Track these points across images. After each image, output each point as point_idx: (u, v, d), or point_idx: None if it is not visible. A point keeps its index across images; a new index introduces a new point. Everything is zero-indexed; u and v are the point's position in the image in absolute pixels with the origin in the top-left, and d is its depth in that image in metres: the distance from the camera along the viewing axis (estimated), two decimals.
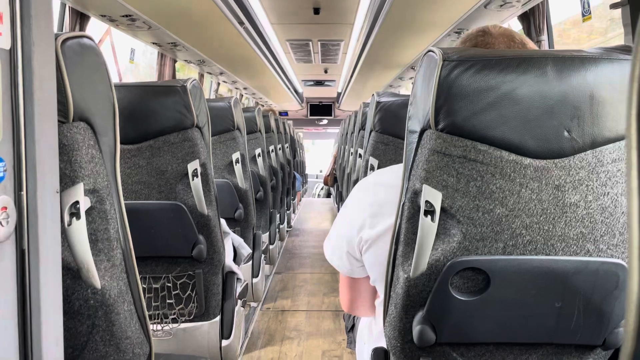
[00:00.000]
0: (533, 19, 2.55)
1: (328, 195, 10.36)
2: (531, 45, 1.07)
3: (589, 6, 2.22)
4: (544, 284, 0.88)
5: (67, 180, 0.84)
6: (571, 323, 0.91)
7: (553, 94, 0.84)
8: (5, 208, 0.62)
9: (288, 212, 5.73)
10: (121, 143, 1.00)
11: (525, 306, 0.91)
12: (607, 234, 0.88)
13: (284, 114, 11.24)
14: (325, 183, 7.94)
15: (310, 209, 8.31)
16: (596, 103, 0.84)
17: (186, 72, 5.01)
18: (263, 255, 3.14)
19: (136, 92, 1.62)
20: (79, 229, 0.85)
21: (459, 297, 0.89)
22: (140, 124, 1.61)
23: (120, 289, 0.93)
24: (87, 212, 0.88)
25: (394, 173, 1.02)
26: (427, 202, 0.87)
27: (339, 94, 10.05)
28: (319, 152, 13.45)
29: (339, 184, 5.49)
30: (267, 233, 3.65)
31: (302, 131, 11.85)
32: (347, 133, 4.58)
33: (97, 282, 0.88)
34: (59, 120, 0.80)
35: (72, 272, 0.86)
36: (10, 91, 0.64)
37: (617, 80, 0.85)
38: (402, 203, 0.94)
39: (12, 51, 0.65)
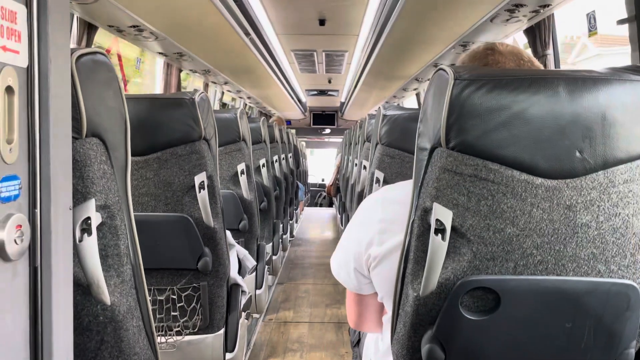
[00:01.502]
0: (539, 34, 2.56)
1: (330, 204, 10.36)
2: (537, 63, 1.07)
3: (595, 21, 2.23)
4: (554, 304, 0.88)
5: (79, 196, 0.84)
6: (581, 344, 0.90)
7: (565, 114, 0.84)
8: (20, 226, 0.62)
9: (291, 222, 5.72)
10: None
11: (535, 326, 0.90)
12: (618, 255, 0.87)
13: (287, 122, 11.26)
14: (328, 193, 7.94)
15: (312, 219, 8.30)
16: (608, 124, 0.84)
17: (190, 82, 5.02)
18: (266, 266, 3.14)
19: (144, 105, 1.63)
20: (90, 245, 0.85)
21: (469, 317, 0.89)
22: (148, 136, 1.62)
23: (130, 305, 0.93)
24: (98, 227, 0.88)
25: (404, 189, 1.02)
26: (437, 220, 0.87)
27: (342, 104, 10.07)
28: (318, 161, 13.43)
29: (342, 194, 5.49)
30: (270, 243, 3.64)
31: (305, 140, 11.87)
32: (350, 144, 4.59)
33: (107, 298, 0.87)
34: (72, 137, 0.80)
35: (82, 288, 0.86)
36: (27, 109, 0.65)
37: (629, 101, 0.85)
38: (411, 221, 0.94)
39: (29, 69, 0.65)
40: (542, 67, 1.08)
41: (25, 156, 0.65)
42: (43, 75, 0.66)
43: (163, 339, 1.74)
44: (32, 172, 0.66)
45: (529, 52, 1.12)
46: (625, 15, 1.80)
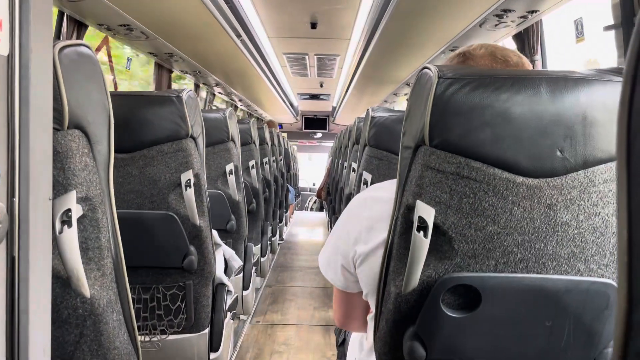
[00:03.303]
0: (527, 39, 2.58)
1: (321, 208, 10.36)
2: (515, 58, 1.05)
3: (582, 28, 2.25)
4: (534, 302, 0.89)
5: (59, 188, 0.84)
6: (561, 342, 0.91)
7: (546, 113, 0.85)
8: None
9: (280, 224, 5.71)
10: (115, 152, 1.00)
11: (515, 324, 0.91)
12: (598, 254, 0.88)
13: (279, 126, 11.27)
14: (319, 196, 7.94)
15: (302, 222, 8.30)
16: (589, 124, 0.85)
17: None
18: (254, 268, 3.13)
19: (131, 101, 1.62)
20: (70, 237, 0.84)
21: (450, 314, 0.89)
22: (134, 133, 1.61)
23: (110, 299, 0.93)
24: (79, 220, 0.87)
25: (391, 188, 1.02)
26: (420, 217, 0.88)
27: (334, 108, 10.08)
28: (314, 165, 13.47)
29: (331, 197, 5.49)
30: (259, 245, 3.64)
31: (297, 144, 11.89)
32: (341, 147, 4.59)
33: (87, 291, 0.87)
34: (53, 128, 0.80)
35: (61, 281, 0.86)
36: (7, 97, 0.64)
37: (610, 102, 0.86)
38: (394, 218, 0.95)
39: (9, 57, 0.65)
40: (523, 60, 1.06)
41: (4, 144, 0.65)
42: (24, 64, 0.66)
43: (147, 338, 1.73)
44: (10, 160, 0.65)
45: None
46: (612, 22, 1.82)
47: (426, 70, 0.92)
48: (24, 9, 0.65)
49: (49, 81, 0.71)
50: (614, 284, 0.88)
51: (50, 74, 0.71)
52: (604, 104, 0.86)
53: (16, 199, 0.66)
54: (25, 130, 0.66)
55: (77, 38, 2.63)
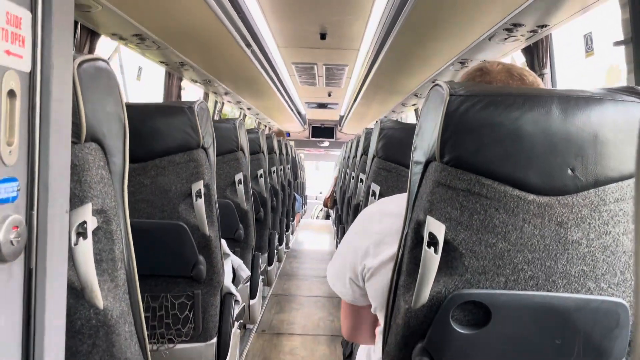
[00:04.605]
0: (537, 53, 2.59)
1: (327, 217, 10.36)
2: (531, 78, 1.06)
3: (592, 42, 2.25)
4: (544, 320, 0.89)
5: (76, 200, 0.85)
6: None
7: (557, 132, 0.86)
8: (17, 227, 0.63)
9: (287, 233, 5.72)
10: None
11: (525, 342, 0.91)
12: (609, 273, 0.88)
13: (287, 134, 11.31)
14: (325, 205, 7.95)
15: (309, 231, 8.30)
16: (600, 143, 0.86)
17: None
18: (261, 277, 3.13)
19: (144, 112, 1.64)
20: (85, 249, 0.85)
21: (460, 330, 0.89)
22: (146, 143, 1.63)
23: (122, 310, 0.94)
24: (94, 232, 0.88)
25: (400, 202, 1.03)
26: (430, 233, 0.88)
27: (341, 117, 10.11)
28: (321, 174, 13.50)
29: (338, 206, 5.50)
30: (266, 254, 3.64)
31: (304, 152, 11.92)
32: (348, 157, 4.61)
33: (100, 302, 0.88)
34: (71, 141, 0.81)
35: (75, 292, 0.87)
36: (28, 113, 0.66)
37: (621, 121, 0.87)
38: (404, 233, 0.95)
39: (31, 74, 0.66)
40: (538, 81, 1.07)
41: (24, 159, 0.66)
42: (45, 80, 0.68)
43: (155, 347, 1.74)
44: (30, 174, 0.66)
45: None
46: (622, 37, 1.82)
47: (438, 87, 0.93)
48: (47, 27, 0.67)
49: (68, 96, 0.72)
50: (625, 303, 0.88)
51: (70, 90, 0.73)
52: (615, 123, 0.86)
53: (35, 212, 0.67)
54: (45, 144, 0.68)
55: (90, 47, 2.66)
